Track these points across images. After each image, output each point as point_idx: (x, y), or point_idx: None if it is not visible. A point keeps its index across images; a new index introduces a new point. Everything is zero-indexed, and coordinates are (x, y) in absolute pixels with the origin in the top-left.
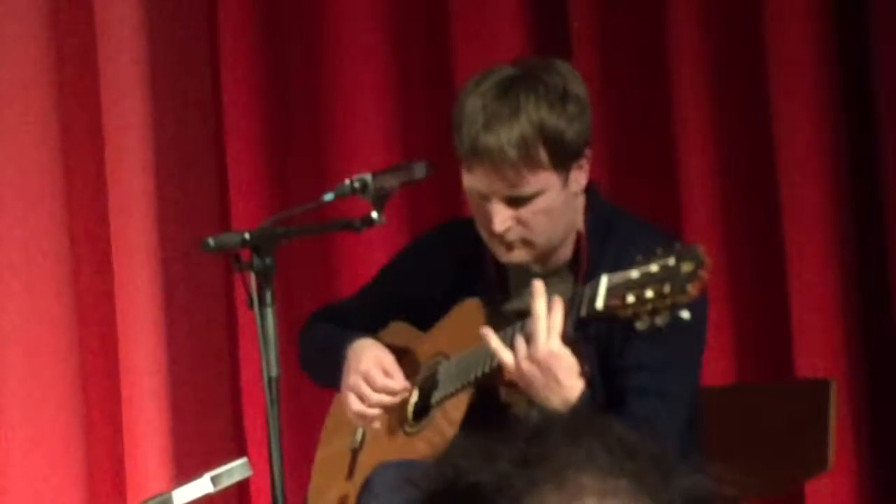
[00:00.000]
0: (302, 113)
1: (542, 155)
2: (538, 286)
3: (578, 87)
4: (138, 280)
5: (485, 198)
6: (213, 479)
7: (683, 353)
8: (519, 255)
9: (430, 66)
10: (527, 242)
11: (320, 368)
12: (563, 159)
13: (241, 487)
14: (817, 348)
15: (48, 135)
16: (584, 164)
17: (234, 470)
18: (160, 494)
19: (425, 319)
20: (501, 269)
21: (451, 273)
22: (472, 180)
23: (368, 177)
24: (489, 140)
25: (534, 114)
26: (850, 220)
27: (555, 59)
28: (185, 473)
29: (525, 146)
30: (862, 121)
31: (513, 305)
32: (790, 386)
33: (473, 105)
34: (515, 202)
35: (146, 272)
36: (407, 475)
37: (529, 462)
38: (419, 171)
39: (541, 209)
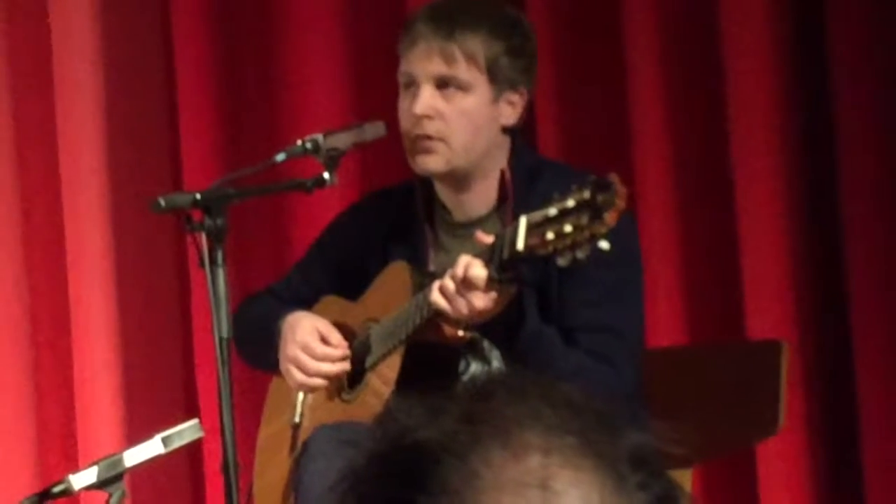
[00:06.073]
0: (254, 73)
1: (480, 57)
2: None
3: (528, 31)
4: (90, 242)
5: (414, 83)
6: (164, 440)
7: (622, 285)
8: (435, 162)
9: (384, 25)
10: (444, 141)
11: (256, 349)
12: (496, 76)
13: (193, 448)
14: (769, 309)
15: None
16: (518, 101)
17: (186, 431)
18: (111, 455)
19: (357, 291)
20: (432, 227)
21: (382, 241)
22: (407, 64)
23: (320, 137)
24: (430, 24)
25: (476, 25)
26: (803, 182)
27: (513, 10)
28: (136, 435)
29: (464, 37)
30: (815, 86)
31: (439, 264)
32: (742, 347)
33: (421, 10)
34: (444, 85)
35: (98, 233)
36: (347, 436)
37: (474, 419)
38: (372, 131)
39: (463, 109)
